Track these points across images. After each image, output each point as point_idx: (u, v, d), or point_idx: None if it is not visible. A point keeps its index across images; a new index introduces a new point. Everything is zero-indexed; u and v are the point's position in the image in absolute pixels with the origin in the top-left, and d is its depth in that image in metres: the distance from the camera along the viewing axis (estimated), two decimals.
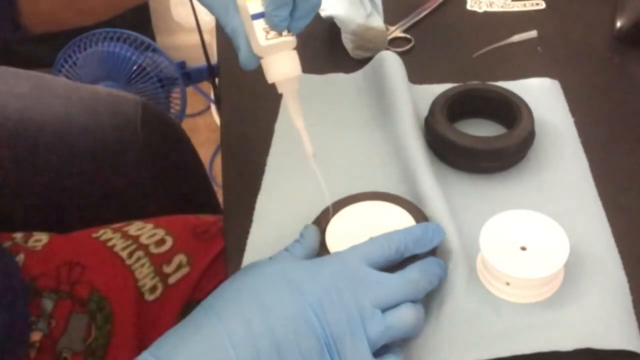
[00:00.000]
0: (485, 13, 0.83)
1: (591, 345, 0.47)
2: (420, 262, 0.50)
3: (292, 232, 0.53)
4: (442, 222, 0.54)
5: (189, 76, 1.63)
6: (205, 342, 0.44)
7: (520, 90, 0.65)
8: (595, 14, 0.81)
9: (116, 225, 0.71)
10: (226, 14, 0.51)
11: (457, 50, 0.78)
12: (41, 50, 1.54)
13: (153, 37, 1.78)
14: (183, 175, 0.95)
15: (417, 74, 0.71)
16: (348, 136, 0.67)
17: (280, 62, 0.50)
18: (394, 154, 0.64)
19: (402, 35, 0.80)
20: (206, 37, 1.26)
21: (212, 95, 1.73)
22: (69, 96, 0.83)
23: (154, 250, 0.69)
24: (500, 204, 0.56)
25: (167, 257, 0.69)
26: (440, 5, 0.84)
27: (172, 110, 1.63)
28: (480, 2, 0.84)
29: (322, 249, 0.53)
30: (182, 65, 1.61)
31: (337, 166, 0.63)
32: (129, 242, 0.69)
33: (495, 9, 0.84)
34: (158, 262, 0.68)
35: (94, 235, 0.69)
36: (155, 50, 1.59)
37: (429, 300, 0.52)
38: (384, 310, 0.46)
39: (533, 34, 0.79)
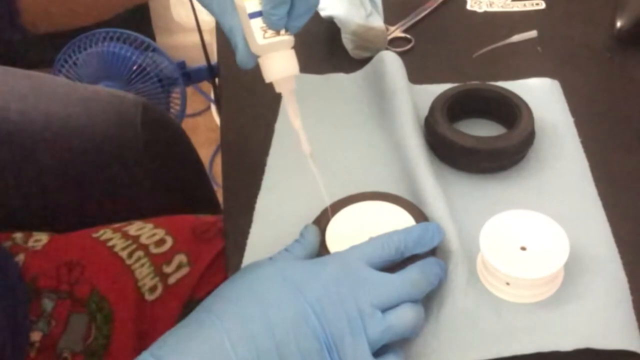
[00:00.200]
0: (485, 13, 0.83)
1: (591, 345, 0.47)
2: (420, 262, 0.50)
3: (292, 232, 0.53)
4: (442, 222, 0.54)
5: (189, 76, 1.63)
6: (205, 342, 0.44)
7: (520, 90, 0.65)
8: (595, 14, 0.81)
9: (116, 225, 0.71)
10: (224, 13, 0.50)
11: (457, 50, 0.78)
12: (41, 50, 1.54)
13: (153, 37, 1.78)
14: (183, 175, 0.95)
15: (417, 74, 0.71)
16: (348, 136, 0.67)
17: (278, 61, 0.50)
18: (394, 154, 0.63)
19: (402, 35, 0.80)
20: (206, 37, 1.26)
21: (212, 95, 1.73)
22: (69, 96, 0.83)
23: (154, 250, 0.69)
24: (500, 204, 0.56)
25: (167, 257, 0.68)
26: (440, 5, 0.84)
27: (172, 110, 1.62)
28: (480, 2, 0.84)
29: (322, 249, 0.53)
30: (182, 65, 1.61)
31: (337, 166, 0.63)
32: (129, 242, 0.69)
33: (495, 9, 0.84)
34: (158, 262, 0.68)
35: (94, 235, 0.69)
36: (155, 50, 1.59)
37: (429, 300, 0.52)
38: (384, 310, 0.46)
39: (533, 34, 0.79)
